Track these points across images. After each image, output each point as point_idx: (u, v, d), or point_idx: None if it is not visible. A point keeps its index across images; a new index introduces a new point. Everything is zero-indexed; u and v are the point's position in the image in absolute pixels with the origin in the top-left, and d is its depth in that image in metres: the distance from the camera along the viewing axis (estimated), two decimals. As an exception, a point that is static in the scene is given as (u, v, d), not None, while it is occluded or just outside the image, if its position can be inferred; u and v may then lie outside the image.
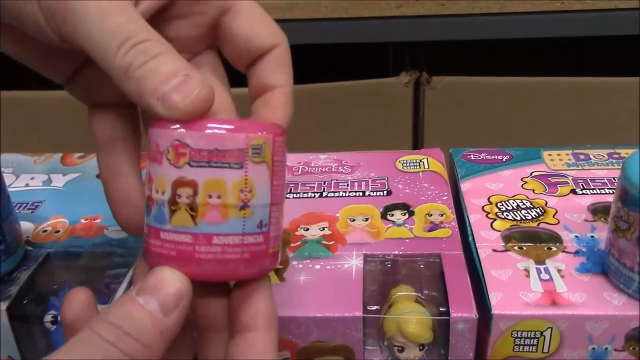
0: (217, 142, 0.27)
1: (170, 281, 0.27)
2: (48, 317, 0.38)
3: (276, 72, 0.34)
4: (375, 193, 0.47)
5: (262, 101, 0.34)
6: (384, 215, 0.44)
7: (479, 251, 0.40)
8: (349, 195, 0.46)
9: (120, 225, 0.34)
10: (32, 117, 0.86)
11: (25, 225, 0.44)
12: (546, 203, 0.44)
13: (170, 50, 0.29)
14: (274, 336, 0.29)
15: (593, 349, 0.36)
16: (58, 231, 0.44)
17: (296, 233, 0.43)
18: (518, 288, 0.37)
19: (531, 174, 0.48)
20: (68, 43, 0.29)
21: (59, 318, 0.38)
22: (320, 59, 0.89)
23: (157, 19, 0.32)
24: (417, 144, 0.86)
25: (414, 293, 0.38)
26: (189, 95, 0.27)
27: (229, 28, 0.34)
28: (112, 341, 0.26)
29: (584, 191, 0.45)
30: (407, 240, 0.41)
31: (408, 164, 0.50)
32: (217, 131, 0.27)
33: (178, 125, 0.27)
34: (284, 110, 0.34)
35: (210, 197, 0.27)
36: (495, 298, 0.36)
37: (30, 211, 0.46)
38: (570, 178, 0.47)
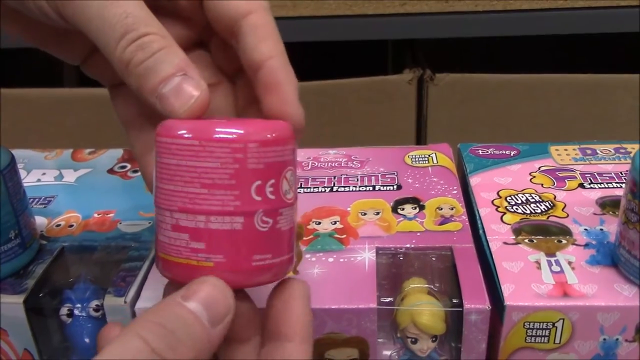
0: None
1: (223, 295, 0.27)
2: (64, 310, 0.39)
3: (260, 43, 0.31)
4: (385, 187, 0.47)
5: (260, 85, 0.31)
6: (394, 209, 0.44)
7: (490, 244, 0.40)
8: (359, 190, 0.47)
9: None
10: (31, 116, 0.86)
11: (39, 220, 0.44)
12: (555, 197, 0.45)
13: (169, 44, 0.29)
14: (310, 348, 0.29)
15: (604, 339, 0.37)
16: (72, 225, 0.44)
17: (308, 227, 0.43)
18: (530, 280, 0.37)
19: (539, 168, 0.48)
20: (72, 26, 0.29)
21: (74, 311, 0.39)
22: (318, 56, 0.89)
23: None
24: (420, 141, 0.86)
25: (426, 285, 0.38)
26: (187, 102, 0.28)
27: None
28: (161, 351, 0.24)
29: (592, 185, 0.46)
30: (418, 234, 0.42)
31: (417, 159, 0.50)
32: None
33: None
34: (288, 85, 0.31)
35: None
36: (507, 289, 0.37)
37: (43, 206, 0.46)
38: (578, 172, 0.47)
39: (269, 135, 0.28)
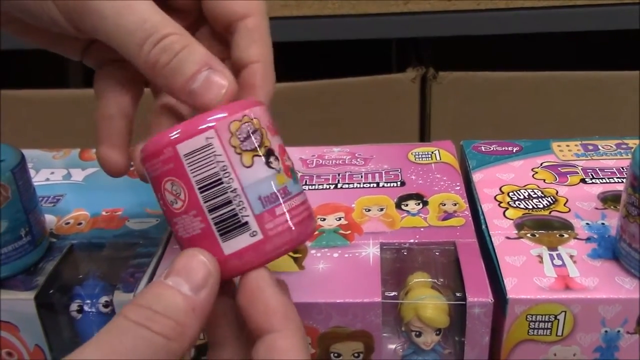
0: None
1: (199, 261, 0.28)
2: (74, 306, 0.39)
3: (251, 46, 0.33)
4: (389, 184, 0.48)
5: (240, 83, 0.33)
6: (398, 205, 0.45)
7: (493, 239, 0.41)
8: (363, 187, 0.47)
9: (99, 160, 0.36)
10: (38, 116, 0.87)
11: (49, 218, 0.45)
12: (557, 192, 0.45)
13: (189, 41, 0.30)
14: (295, 330, 0.28)
15: (606, 331, 0.37)
16: (80, 223, 0.45)
17: (313, 223, 0.44)
18: (532, 273, 0.38)
19: (541, 164, 0.49)
20: (89, 36, 0.30)
21: (84, 307, 0.39)
22: (322, 55, 0.90)
23: None
24: (424, 139, 0.87)
25: (430, 280, 0.39)
26: (218, 93, 0.30)
27: None
28: (142, 322, 0.26)
29: (593, 180, 0.46)
30: (422, 229, 0.42)
31: (420, 156, 0.51)
32: None
33: None
34: (262, 90, 0.34)
35: None
36: (510, 283, 0.37)
37: (52, 204, 0.47)
38: (580, 168, 0.48)
39: (143, 154, 0.29)
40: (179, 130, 0.28)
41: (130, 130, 0.36)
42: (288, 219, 0.29)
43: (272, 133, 0.30)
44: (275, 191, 0.29)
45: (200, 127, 0.28)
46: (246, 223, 0.28)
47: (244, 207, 0.28)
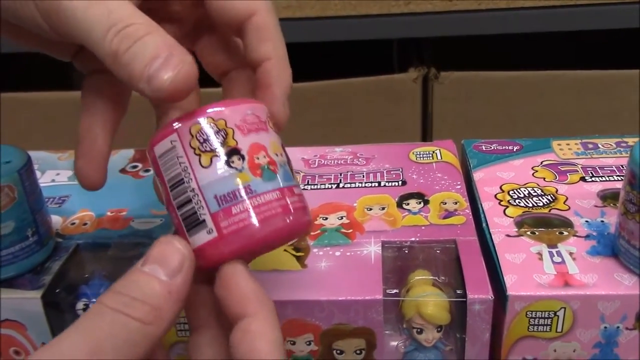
0: None
1: (173, 247, 0.28)
2: (80, 305, 0.40)
3: (260, 44, 0.33)
4: (390, 183, 0.48)
5: (256, 83, 0.33)
6: (399, 204, 0.45)
7: (493, 236, 0.41)
8: (365, 186, 0.48)
9: (77, 173, 0.36)
10: (42, 118, 0.88)
11: (54, 219, 0.45)
12: (557, 190, 0.46)
13: (154, 30, 0.29)
14: (269, 315, 0.28)
15: (605, 327, 0.38)
16: (86, 223, 0.45)
17: (315, 222, 0.44)
18: (532, 270, 0.38)
19: (541, 163, 0.49)
20: (65, 39, 0.30)
21: (90, 306, 0.40)
22: (325, 56, 0.91)
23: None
24: (426, 138, 0.87)
25: (431, 277, 0.39)
26: (172, 75, 0.28)
27: (208, 1, 0.33)
28: (120, 308, 0.26)
29: (593, 178, 0.47)
30: (423, 228, 0.43)
31: (421, 155, 0.51)
32: None
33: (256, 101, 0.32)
34: (278, 87, 0.33)
35: None
36: (510, 280, 0.38)
37: (58, 205, 0.48)
38: (580, 166, 0.48)
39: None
40: (155, 135, 0.31)
41: (110, 145, 0.36)
42: (246, 217, 0.29)
43: (244, 132, 0.30)
44: (234, 190, 0.29)
45: (167, 131, 0.30)
46: (203, 221, 0.29)
47: (201, 206, 0.29)
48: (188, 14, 0.35)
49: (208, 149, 0.29)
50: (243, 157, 0.30)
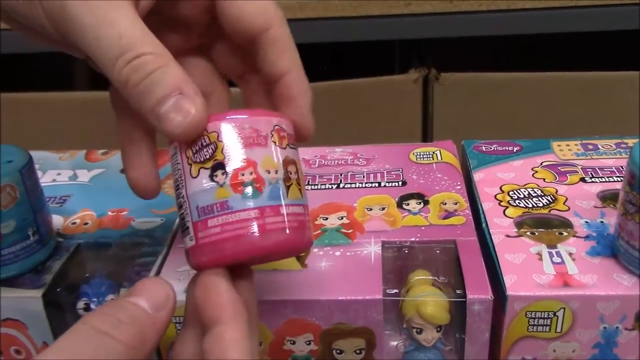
0: (292, 128, 0.33)
1: (161, 284, 0.29)
2: (80, 304, 0.40)
3: (279, 59, 0.33)
4: (390, 184, 0.48)
5: (277, 96, 0.34)
6: (399, 205, 0.46)
7: (493, 237, 0.41)
8: (365, 186, 0.48)
9: (131, 185, 0.36)
10: (38, 119, 0.88)
11: (55, 218, 0.46)
12: (556, 191, 0.46)
13: (165, 63, 0.29)
14: (243, 326, 0.28)
15: (604, 328, 0.38)
16: (87, 223, 0.46)
17: (316, 222, 0.44)
18: (531, 271, 0.38)
19: (541, 163, 0.49)
20: (74, 44, 0.30)
21: (91, 305, 0.40)
22: (326, 57, 0.91)
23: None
24: (426, 139, 0.87)
25: (430, 277, 0.39)
26: (183, 121, 0.29)
27: (221, 11, 0.33)
28: (106, 329, 0.26)
29: (593, 179, 0.47)
30: (423, 228, 0.43)
31: (422, 156, 0.51)
32: (289, 120, 0.33)
33: (271, 114, 0.32)
34: (302, 99, 0.34)
35: (299, 173, 0.32)
36: (509, 280, 0.38)
37: (59, 205, 0.48)
38: (580, 167, 0.49)
39: None
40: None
41: (154, 146, 0.36)
42: (218, 232, 0.30)
43: (235, 147, 0.30)
44: (211, 204, 0.30)
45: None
46: (187, 227, 0.31)
47: (188, 213, 0.31)
48: (199, 20, 0.35)
49: (198, 160, 0.30)
50: (226, 173, 0.30)
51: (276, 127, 0.31)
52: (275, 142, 0.31)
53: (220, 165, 0.30)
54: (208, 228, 0.30)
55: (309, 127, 0.34)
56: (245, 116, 0.31)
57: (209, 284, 0.29)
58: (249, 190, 0.30)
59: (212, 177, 0.30)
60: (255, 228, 0.30)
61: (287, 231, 0.30)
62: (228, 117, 0.30)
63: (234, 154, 0.30)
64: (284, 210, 0.30)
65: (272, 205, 0.30)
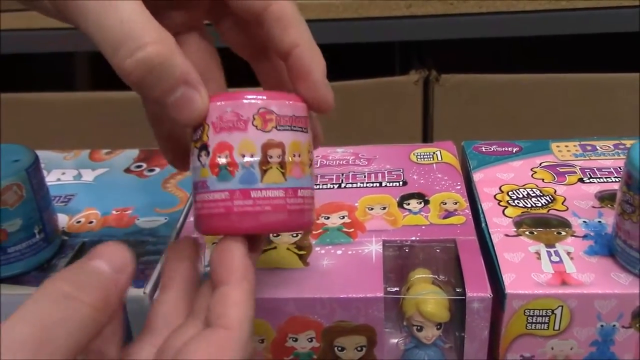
0: (294, 109, 0.32)
1: (119, 248, 0.29)
2: (85, 302, 0.40)
3: (284, 34, 0.32)
4: (391, 184, 0.49)
5: (290, 72, 0.33)
6: (400, 204, 0.46)
7: (492, 236, 0.42)
8: (366, 186, 0.49)
9: (170, 158, 0.38)
10: (40, 119, 0.89)
11: (60, 217, 0.46)
12: (555, 191, 0.46)
13: (169, 54, 0.29)
14: (248, 288, 0.30)
15: (601, 326, 0.38)
16: (91, 222, 0.46)
17: (317, 221, 0.45)
18: (530, 269, 0.39)
19: (540, 164, 0.50)
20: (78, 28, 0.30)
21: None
22: (326, 58, 0.91)
23: None
24: (427, 140, 0.88)
25: (431, 276, 0.40)
26: (187, 111, 0.31)
27: None
28: (71, 292, 0.26)
29: (591, 180, 0.48)
30: (423, 227, 0.44)
31: (422, 156, 0.52)
32: (292, 101, 0.32)
33: (258, 96, 0.31)
34: (316, 72, 0.32)
35: (294, 156, 0.32)
36: (508, 278, 0.38)
37: (64, 204, 0.48)
38: (578, 168, 0.49)
39: None
40: None
41: (185, 137, 0.36)
42: (200, 208, 0.32)
43: (216, 130, 0.31)
44: (197, 182, 0.32)
45: None
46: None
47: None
48: None
49: (193, 139, 0.32)
50: (208, 154, 0.31)
51: (261, 110, 0.31)
52: (256, 126, 0.31)
53: (205, 147, 0.32)
54: (196, 202, 0.33)
55: (327, 99, 0.33)
56: (229, 100, 0.31)
57: (226, 247, 0.31)
58: (223, 173, 0.31)
59: (198, 157, 0.32)
60: (223, 210, 0.31)
61: (258, 215, 0.31)
62: (213, 101, 0.32)
63: (214, 137, 0.31)
64: (254, 194, 0.31)
65: (242, 188, 0.31)
